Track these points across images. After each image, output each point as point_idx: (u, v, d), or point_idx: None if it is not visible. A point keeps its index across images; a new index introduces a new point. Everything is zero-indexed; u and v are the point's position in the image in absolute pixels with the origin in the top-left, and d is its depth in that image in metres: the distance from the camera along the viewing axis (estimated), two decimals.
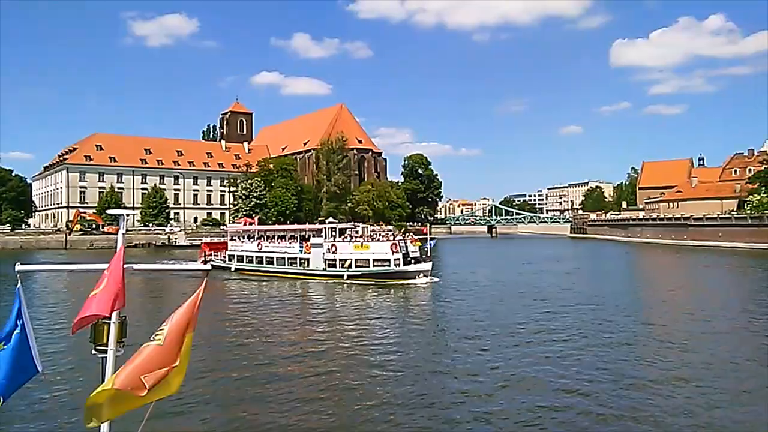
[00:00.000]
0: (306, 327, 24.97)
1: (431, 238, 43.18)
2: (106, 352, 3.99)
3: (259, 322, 25.63)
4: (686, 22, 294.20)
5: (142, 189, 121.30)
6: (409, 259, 39.95)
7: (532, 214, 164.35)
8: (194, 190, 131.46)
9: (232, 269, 48.31)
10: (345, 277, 39.71)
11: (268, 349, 20.00)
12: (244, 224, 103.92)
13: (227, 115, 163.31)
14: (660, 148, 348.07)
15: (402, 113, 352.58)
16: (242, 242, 49.92)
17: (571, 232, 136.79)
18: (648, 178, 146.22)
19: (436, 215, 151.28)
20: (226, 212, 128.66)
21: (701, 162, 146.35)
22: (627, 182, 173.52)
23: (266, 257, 46.46)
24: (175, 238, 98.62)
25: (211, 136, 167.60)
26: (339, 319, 26.51)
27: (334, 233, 43.29)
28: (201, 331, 21.75)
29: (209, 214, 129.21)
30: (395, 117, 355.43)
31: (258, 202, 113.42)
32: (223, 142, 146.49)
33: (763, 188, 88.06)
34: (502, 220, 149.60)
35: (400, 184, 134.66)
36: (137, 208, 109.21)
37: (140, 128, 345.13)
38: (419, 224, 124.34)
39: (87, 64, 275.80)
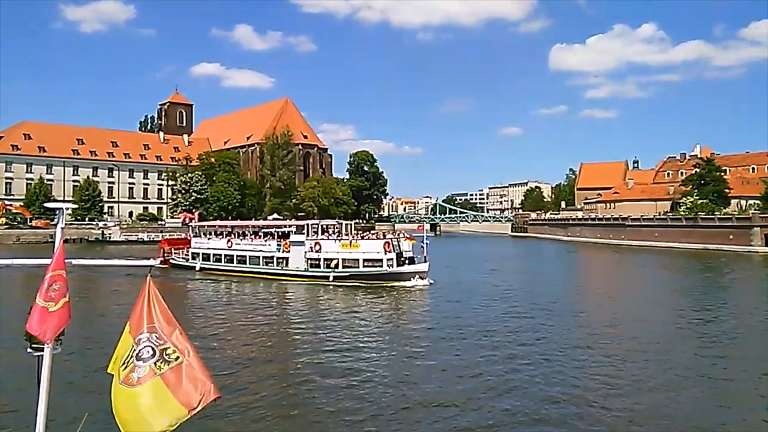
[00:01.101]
0: (283, 335, 22.49)
1: (427, 237, 38.59)
2: (42, 350, 3.71)
3: (226, 329, 23.23)
4: (621, 30, 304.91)
5: (74, 181, 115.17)
6: (403, 259, 37.00)
7: (474, 213, 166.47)
8: (130, 184, 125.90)
9: (197, 269, 44.46)
10: (331, 279, 36.75)
11: (235, 360, 17.92)
12: (184, 219, 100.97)
13: (166, 106, 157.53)
14: (596, 150, 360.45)
15: (345, 110, 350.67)
16: (208, 239, 45.89)
17: (512, 231, 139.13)
18: (586, 179, 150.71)
19: (380, 213, 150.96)
20: (164, 207, 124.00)
21: (636, 164, 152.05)
22: (565, 183, 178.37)
23: (237, 256, 42.66)
24: (110, 234, 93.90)
25: (148, 128, 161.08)
26: (322, 325, 23.96)
27: (316, 230, 40.32)
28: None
29: (146, 208, 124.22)
30: (339, 113, 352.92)
31: (199, 196, 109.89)
32: (161, 133, 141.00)
33: (696, 191, 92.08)
34: (446, 218, 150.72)
35: (345, 180, 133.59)
36: (68, 201, 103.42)
37: (72, 117, 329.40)
38: (365, 221, 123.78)
39: (13, 49, 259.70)
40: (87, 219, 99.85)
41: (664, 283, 43.44)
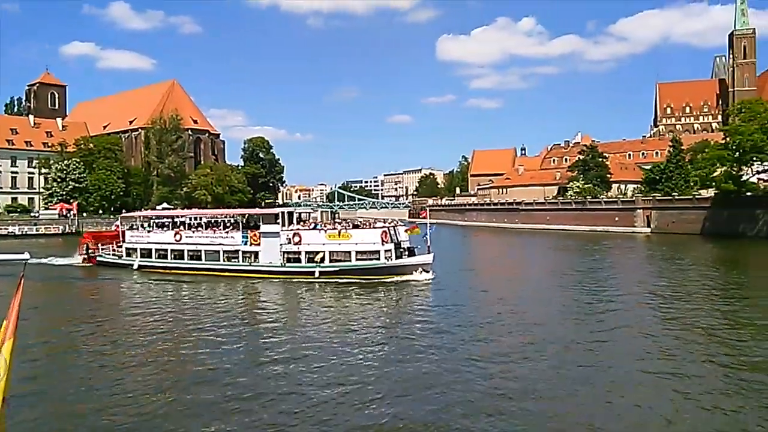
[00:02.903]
0: (258, 348, 17.91)
1: (431, 225, 34.26)
2: None
3: (177, 343, 18.90)
4: (503, 22, 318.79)
5: None
6: (401, 250, 32.92)
7: (372, 200, 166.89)
8: None
9: (134, 267, 38.39)
10: (316, 275, 32.08)
11: (189, 387, 14.15)
12: (61, 210, 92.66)
13: (35, 87, 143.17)
14: (483, 138, 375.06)
15: (234, 95, 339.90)
16: (148, 231, 39.87)
17: (409, 217, 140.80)
18: (478, 166, 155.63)
19: (277, 201, 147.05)
20: (37, 197, 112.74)
21: (523, 152, 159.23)
22: (458, 170, 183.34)
23: (189, 251, 36.87)
24: None
25: (15, 110, 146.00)
26: (311, 334, 19.61)
27: (291, 220, 35.66)
28: (78, 366, 16.07)
29: (14, 199, 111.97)
30: (227, 98, 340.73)
31: (77, 185, 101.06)
32: (30, 117, 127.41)
33: (581, 176, 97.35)
34: (344, 205, 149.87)
35: (240, 168, 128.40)
36: None
37: None
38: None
39: None
40: None
41: (561, 264, 44.77)
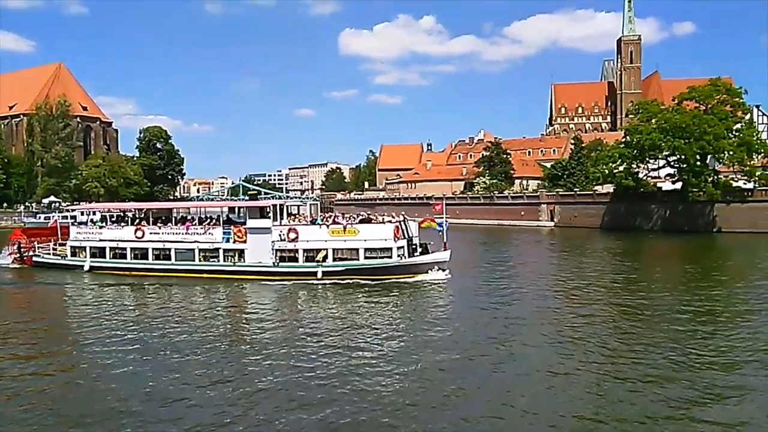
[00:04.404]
0: (250, 377, 14.33)
1: (446, 219, 31.38)
2: None
3: (145, 368, 15.00)
4: (405, 20, 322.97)
5: None
6: (413, 246, 30.36)
7: (279, 194, 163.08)
8: None
9: (85, 268, 33.34)
10: (319, 275, 28.84)
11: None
12: None
13: None
14: (389, 133, 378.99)
15: (124, 82, 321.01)
16: (100, 227, 34.57)
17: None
18: (386, 161, 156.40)
19: (176, 194, 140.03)
20: None
21: (429, 147, 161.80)
22: (365, 164, 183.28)
23: (155, 249, 32.35)
24: None
25: None
26: (315, 348, 16.59)
27: (281, 214, 31.34)
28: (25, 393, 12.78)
29: None
30: (116, 85, 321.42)
31: None
32: None
33: (487, 172, 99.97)
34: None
35: (135, 158, 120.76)
36: None
37: None
38: None
39: None
40: None
41: (480, 256, 45.19)
